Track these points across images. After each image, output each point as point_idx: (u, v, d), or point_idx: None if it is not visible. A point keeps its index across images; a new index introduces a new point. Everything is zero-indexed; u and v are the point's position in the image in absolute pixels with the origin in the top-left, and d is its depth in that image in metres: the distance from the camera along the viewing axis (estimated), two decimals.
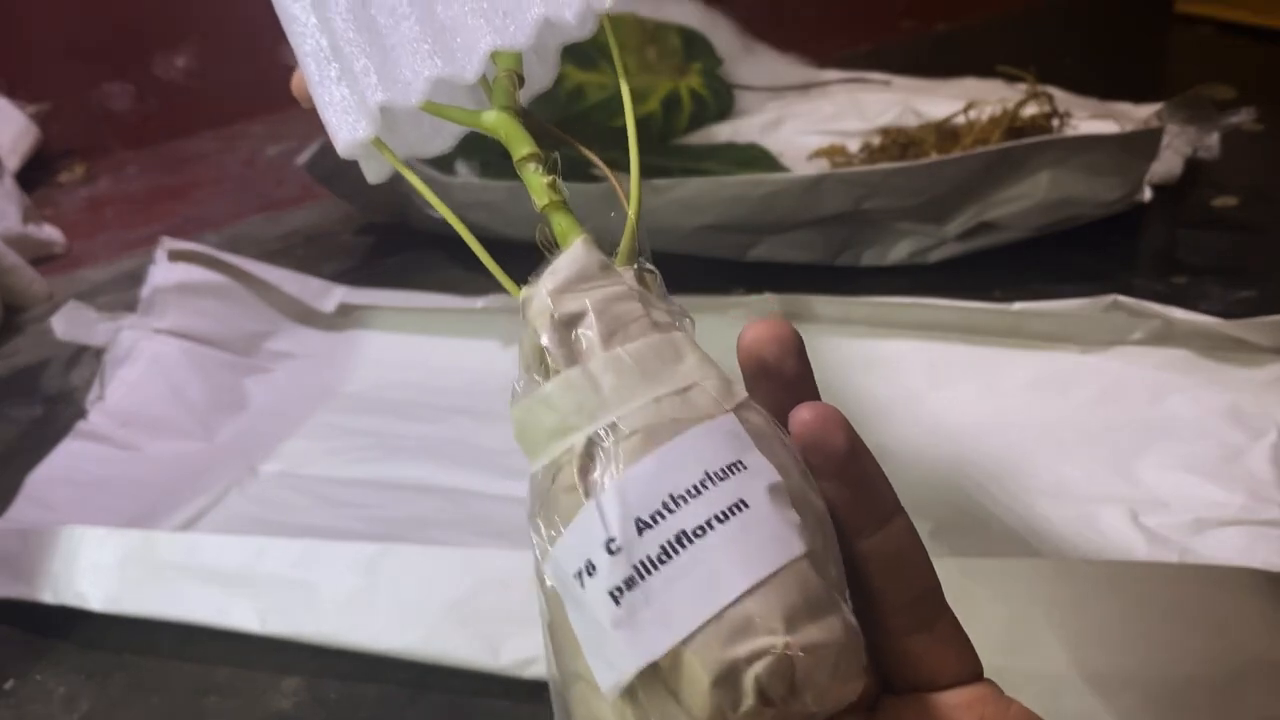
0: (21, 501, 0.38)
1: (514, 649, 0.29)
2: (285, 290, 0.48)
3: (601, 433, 0.15)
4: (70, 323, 0.42)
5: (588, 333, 0.16)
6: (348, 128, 0.20)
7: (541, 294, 0.17)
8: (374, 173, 0.21)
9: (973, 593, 0.31)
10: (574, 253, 0.17)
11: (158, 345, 0.43)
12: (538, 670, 0.29)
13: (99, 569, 0.32)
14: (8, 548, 0.34)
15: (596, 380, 0.15)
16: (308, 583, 0.31)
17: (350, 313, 0.50)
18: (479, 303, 0.47)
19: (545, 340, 0.16)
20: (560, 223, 0.18)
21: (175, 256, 0.47)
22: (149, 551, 0.32)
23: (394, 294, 0.49)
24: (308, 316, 0.49)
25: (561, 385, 0.16)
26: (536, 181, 0.18)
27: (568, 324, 0.16)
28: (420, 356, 0.47)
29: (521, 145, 0.19)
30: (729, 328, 0.51)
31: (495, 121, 0.19)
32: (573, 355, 0.16)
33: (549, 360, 0.16)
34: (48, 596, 0.32)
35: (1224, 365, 0.41)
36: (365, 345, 0.49)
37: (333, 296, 0.49)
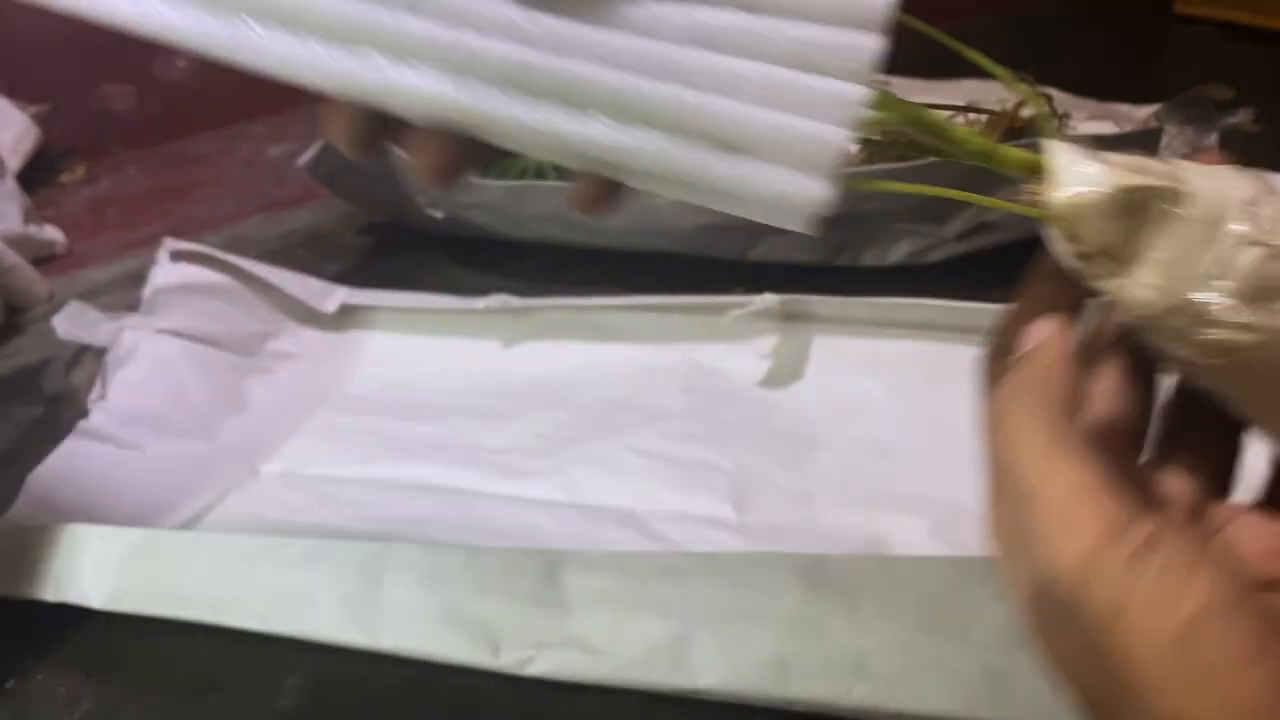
0: (23, 500, 0.38)
1: (513, 646, 0.29)
2: (287, 291, 0.48)
3: None
4: (72, 322, 0.42)
5: (1184, 170, 0.19)
6: (816, 179, 0.19)
7: (1107, 161, 0.19)
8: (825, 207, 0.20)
9: (972, 591, 0.31)
10: (1065, 145, 0.19)
11: (160, 345, 0.43)
12: (536, 668, 0.29)
13: (101, 567, 0.32)
14: (9, 546, 0.34)
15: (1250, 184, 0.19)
16: (309, 581, 0.31)
17: (351, 313, 0.50)
18: (480, 303, 0.47)
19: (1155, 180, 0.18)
20: (1011, 152, 0.20)
21: (177, 257, 0.47)
22: (151, 549, 0.32)
23: (395, 295, 0.50)
24: (309, 317, 0.49)
25: (1251, 191, 0.18)
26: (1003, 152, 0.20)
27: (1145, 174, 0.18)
28: (421, 357, 0.48)
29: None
30: (728, 328, 0.51)
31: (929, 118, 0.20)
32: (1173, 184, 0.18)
33: (1169, 195, 0.18)
34: (48, 595, 0.32)
35: None
36: (366, 346, 0.49)
37: (334, 297, 0.49)
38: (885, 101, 0.20)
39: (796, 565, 0.31)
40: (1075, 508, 0.16)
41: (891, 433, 0.40)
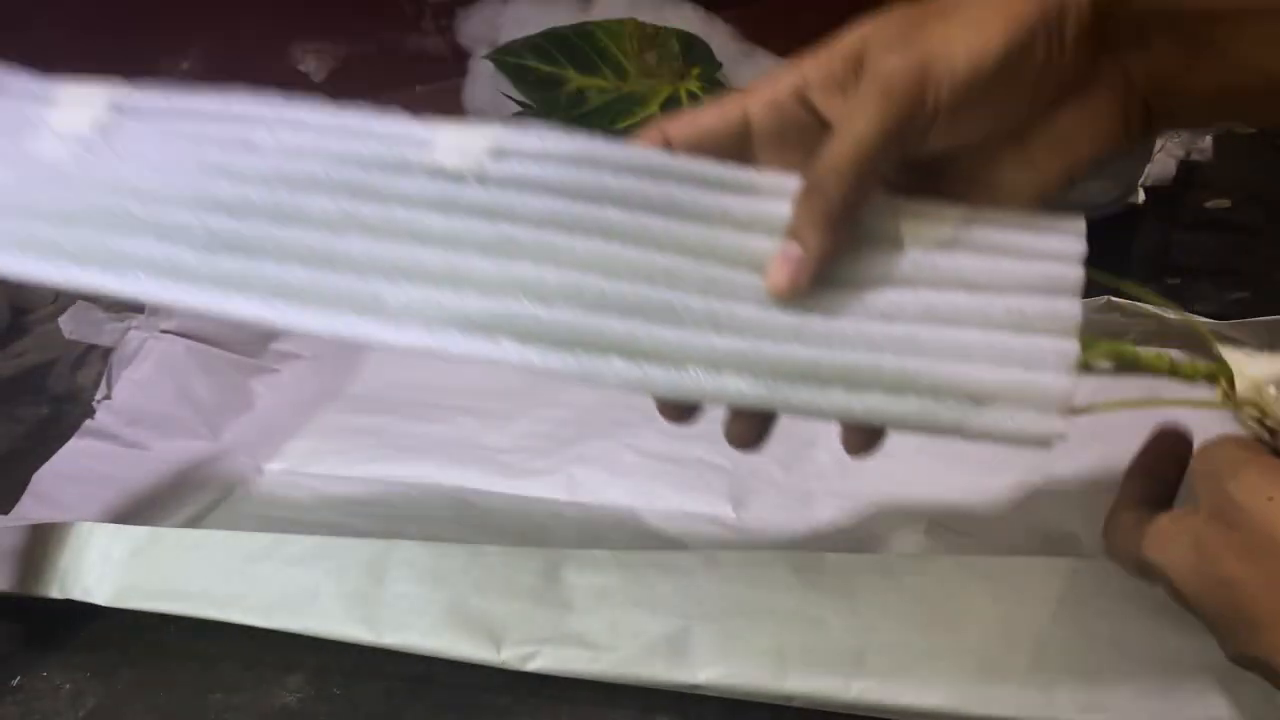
0: (28, 499, 0.38)
1: (515, 643, 0.30)
2: None
3: None
4: (79, 322, 0.42)
5: None
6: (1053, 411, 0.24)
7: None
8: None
9: (970, 589, 0.31)
10: (1237, 351, 0.25)
11: (165, 345, 0.44)
12: (538, 664, 0.30)
13: (106, 563, 0.32)
14: (14, 544, 0.34)
15: None
16: (313, 578, 0.32)
17: None
18: None
19: None
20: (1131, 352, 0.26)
21: None
22: (156, 547, 0.33)
23: None
24: None
25: None
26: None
27: None
28: (424, 357, 0.48)
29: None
30: None
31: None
32: None
33: None
34: (54, 591, 0.32)
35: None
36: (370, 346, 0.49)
37: None
38: (1090, 344, 0.25)
39: (795, 563, 0.31)
40: (1248, 461, 0.23)
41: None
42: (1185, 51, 0.25)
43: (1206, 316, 0.41)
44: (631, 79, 0.69)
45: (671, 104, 0.68)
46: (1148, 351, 0.26)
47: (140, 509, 0.37)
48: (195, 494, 0.38)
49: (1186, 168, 0.54)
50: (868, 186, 0.25)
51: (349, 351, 0.49)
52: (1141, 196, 0.51)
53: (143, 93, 0.29)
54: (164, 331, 0.44)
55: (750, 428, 0.26)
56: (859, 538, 0.36)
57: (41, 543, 0.33)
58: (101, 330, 0.43)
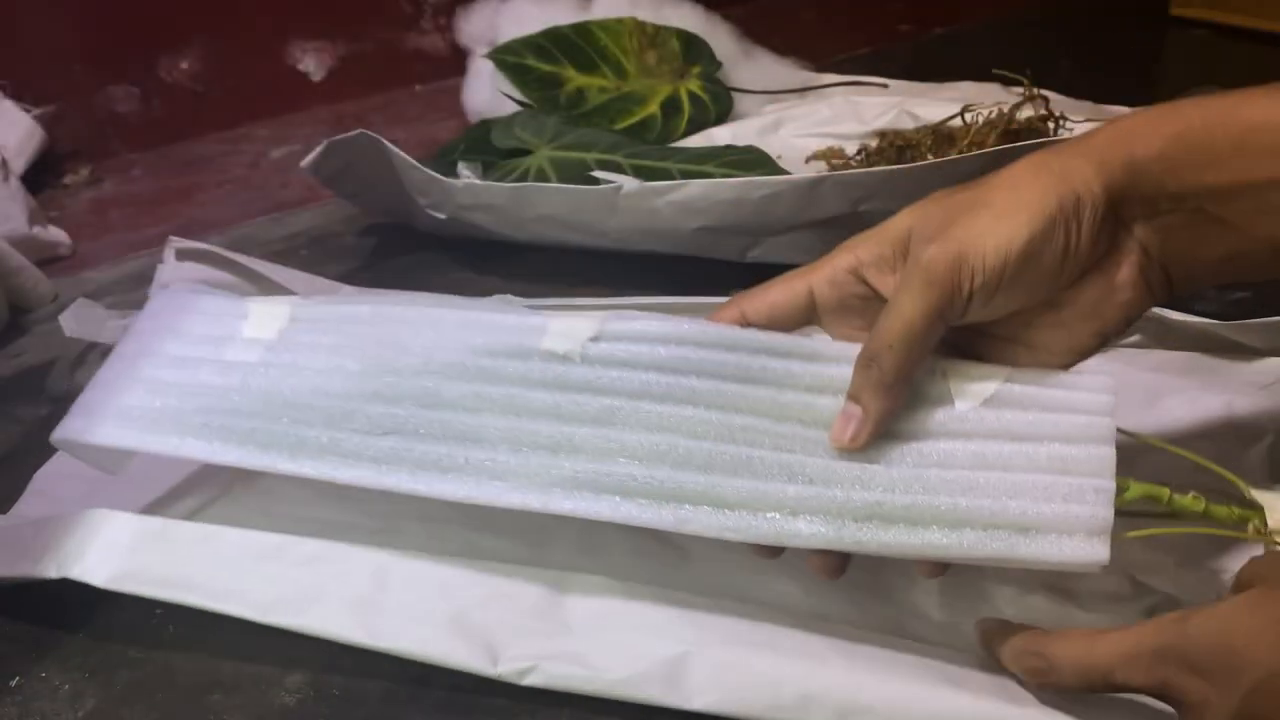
0: (28, 497, 0.38)
1: (512, 658, 0.30)
2: (292, 290, 0.48)
3: None
4: (79, 320, 0.42)
5: None
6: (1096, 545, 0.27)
7: None
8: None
9: (970, 634, 0.31)
10: (1268, 493, 0.29)
11: None
12: (533, 679, 0.30)
13: (111, 549, 0.32)
14: (17, 537, 0.34)
15: None
16: (318, 581, 0.31)
17: None
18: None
19: None
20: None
21: (183, 255, 0.47)
22: (164, 538, 0.32)
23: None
24: None
25: None
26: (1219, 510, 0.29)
27: None
28: None
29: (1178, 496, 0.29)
30: None
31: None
32: None
33: None
34: (51, 571, 0.31)
35: (1220, 367, 0.42)
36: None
37: (339, 295, 0.49)
38: (1126, 487, 0.29)
39: (801, 592, 0.32)
40: None
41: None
42: (1193, 226, 0.28)
43: (1206, 316, 0.41)
44: (631, 78, 0.69)
45: (671, 103, 0.68)
46: (1182, 495, 0.29)
47: (138, 504, 0.37)
48: (195, 489, 0.38)
49: None
50: (916, 357, 0.28)
51: None
52: None
53: (313, 303, 0.35)
54: None
55: (830, 560, 0.29)
56: None
57: (50, 531, 0.33)
58: (102, 327, 0.43)
